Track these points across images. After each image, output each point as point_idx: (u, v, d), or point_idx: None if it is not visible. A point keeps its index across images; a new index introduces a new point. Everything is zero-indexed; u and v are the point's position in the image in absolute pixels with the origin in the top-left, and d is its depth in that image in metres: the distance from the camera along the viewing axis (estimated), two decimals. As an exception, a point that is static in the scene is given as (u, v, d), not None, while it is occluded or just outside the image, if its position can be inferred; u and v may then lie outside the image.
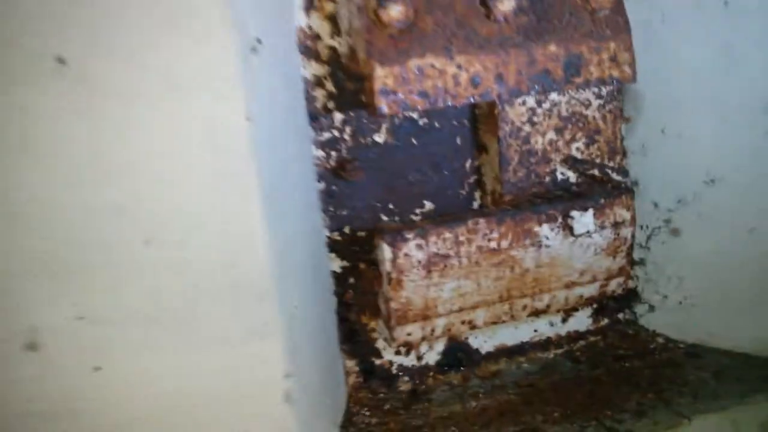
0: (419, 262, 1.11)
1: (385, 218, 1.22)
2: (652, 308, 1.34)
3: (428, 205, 1.24)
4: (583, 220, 1.15)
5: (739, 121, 1.13)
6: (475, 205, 1.26)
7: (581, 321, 1.37)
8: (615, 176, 1.19)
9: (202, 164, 0.85)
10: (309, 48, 1.12)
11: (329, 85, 1.14)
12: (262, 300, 0.90)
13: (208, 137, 0.84)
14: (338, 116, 1.16)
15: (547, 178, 1.18)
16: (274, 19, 0.98)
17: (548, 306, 1.21)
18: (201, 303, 0.89)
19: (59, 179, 0.81)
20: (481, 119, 1.20)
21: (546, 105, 1.14)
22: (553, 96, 1.14)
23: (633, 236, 1.21)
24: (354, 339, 1.26)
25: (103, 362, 0.87)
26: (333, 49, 1.13)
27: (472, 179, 1.25)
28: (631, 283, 1.30)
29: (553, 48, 1.06)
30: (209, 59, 0.82)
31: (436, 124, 1.21)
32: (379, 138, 1.19)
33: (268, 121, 0.92)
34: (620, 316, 1.39)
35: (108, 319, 0.86)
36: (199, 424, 0.91)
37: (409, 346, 1.27)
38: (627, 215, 1.19)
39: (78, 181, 0.82)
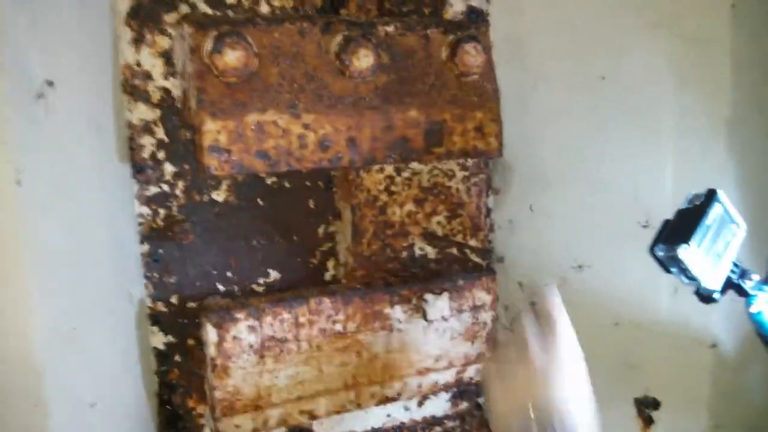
0: (251, 346, 0.96)
1: (221, 288, 1.06)
2: (513, 394, 1.24)
3: (273, 275, 1.09)
4: (438, 304, 1.04)
5: (610, 206, 1.06)
6: (328, 276, 1.13)
7: (438, 405, 1.25)
8: (476, 257, 1.09)
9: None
10: (136, 88, 0.95)
11: (160, 133, 0.98)
12: (36, 404, 0.72)
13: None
14: (169, 168, 1.00)
15: (404, 254, 1.06)
16: (80, 54, 0.81)
17: (399, 394, 1.09)
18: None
19: None
20: (336, 183, 1.08)
21: (406, 174, 1.04)
22: (414, 164, 1.03)
23: (494, 320, 1.12)
24: (177, 425, 1.08)
25: None
26: (166, 92, 0.97)
27: (325, 247, 1.12)
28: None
29: (413, 113, 0.95)
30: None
31: (287, 185, 1.08)
32: (218, 196, 1.04)
33: (57, 177, 0.74)
34: (480, 400, 1.28)
35: None
36: None
37: (240, 437, 1.11)
38: (487, 298, 1.09)
39: None
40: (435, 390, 1.13)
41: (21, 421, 0.70)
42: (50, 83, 0.72)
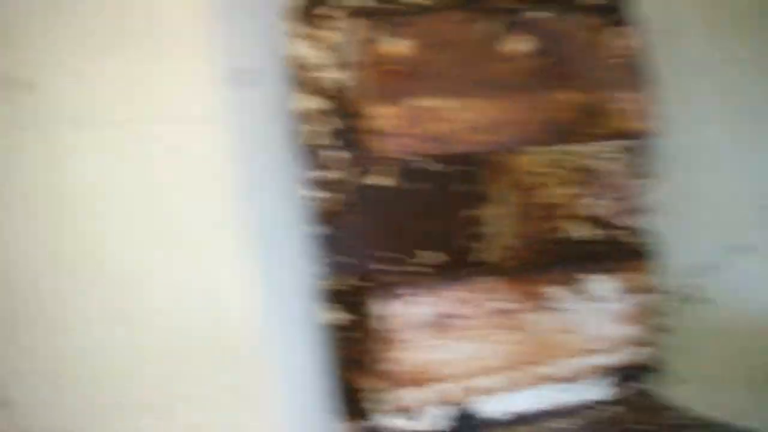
0: (420, 321, 1.02)
1: (383, 267, 1.13)
2: (676, 380, 1.22)
3: (431, 256, 1.14)
4: (599, 285, 1.04)
5: (764, 188, 1.03)
6: (480, 258, 1.16)
7: (599, 388, 1.25)
8: (635, 238, 1.09)
9: (181, 212, 0.78)
10: (304, 79, 1.04)
11: (325, 120, 1.06)
12: (246, 360, 0.82)
13: (188, 182, 0.77)
14: (334, 154, 1.08)
15: (557, 235, 1.08)
16: (263, 45, 0.91)
17: (560, 375, 1.11)
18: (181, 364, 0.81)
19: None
20: (486, 166, 1.11)
21: (557, 155, 1.06)
22: (566, 146, 1.05)
23: (654, 303, 1.10)
24: (346, 400, 1.16)
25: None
26: (331, 82, 1.06)
27: (476, 230, 1.16)
28: (653, 352, 1.19)
29: (567, 96, 0.98)
30: (183, 90, 0.75)
31: (440, 168, 1.12)
32: (379, 180, 1.10)
33: (256, 159, 0.84)
34: (641, 386, 1.26)
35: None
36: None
37: (405, 411, 1.16)
38: (648, 281, 1.08)
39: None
40: (596, 372, 1.13)
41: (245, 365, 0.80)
42: (245, 70, 0.82)
